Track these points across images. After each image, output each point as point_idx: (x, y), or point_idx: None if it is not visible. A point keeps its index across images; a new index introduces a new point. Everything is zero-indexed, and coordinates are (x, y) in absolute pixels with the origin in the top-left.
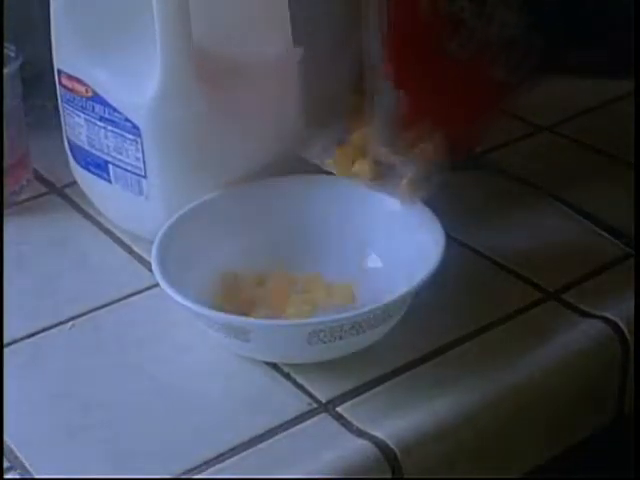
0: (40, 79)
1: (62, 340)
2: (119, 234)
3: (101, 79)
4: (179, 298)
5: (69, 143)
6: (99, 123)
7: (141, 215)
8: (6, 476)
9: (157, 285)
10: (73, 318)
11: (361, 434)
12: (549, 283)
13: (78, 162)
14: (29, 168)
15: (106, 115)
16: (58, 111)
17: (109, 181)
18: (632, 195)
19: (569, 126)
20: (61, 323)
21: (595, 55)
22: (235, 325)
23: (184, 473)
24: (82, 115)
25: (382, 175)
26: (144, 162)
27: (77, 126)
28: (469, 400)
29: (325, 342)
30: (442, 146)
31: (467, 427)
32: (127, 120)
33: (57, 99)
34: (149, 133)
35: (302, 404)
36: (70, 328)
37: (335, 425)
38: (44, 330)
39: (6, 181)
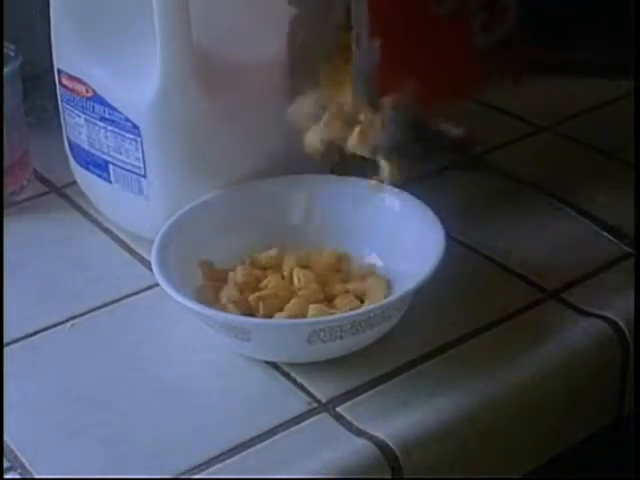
0: (40, 79)
1: (62, 340)
2: (119, 234)
3: (101, 79)
4: (179, 298)
5: (69, 143)
6: (99, 123)
7: (141, 215)
8: (6, 476)
9: (157, 285)
10: (73, 318)
11: (361, 434)
12: (549, 283)
13: (78, 162)
14: (29, 168)
15: (106, 115)
16: (58, 111)
17: (109, 181)
18: (632, 195)
19: (569, 126)
20: (61, 323)
21: (595, 55)
22: (235, 325)
23: (184, 473)
24: (82, 115)
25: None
26: (144, 162)
27: (77, 126)
28: (469, 400)
29: (325, 342)
30: (405, 100)
31: (467, 427)
32: (127, 120)
33: (57, 99)
34: (149, 133)
35: (302, 404)
36: (70, 328)
37: (335, 425)
38: (44, 330)
39: (6, 181)
